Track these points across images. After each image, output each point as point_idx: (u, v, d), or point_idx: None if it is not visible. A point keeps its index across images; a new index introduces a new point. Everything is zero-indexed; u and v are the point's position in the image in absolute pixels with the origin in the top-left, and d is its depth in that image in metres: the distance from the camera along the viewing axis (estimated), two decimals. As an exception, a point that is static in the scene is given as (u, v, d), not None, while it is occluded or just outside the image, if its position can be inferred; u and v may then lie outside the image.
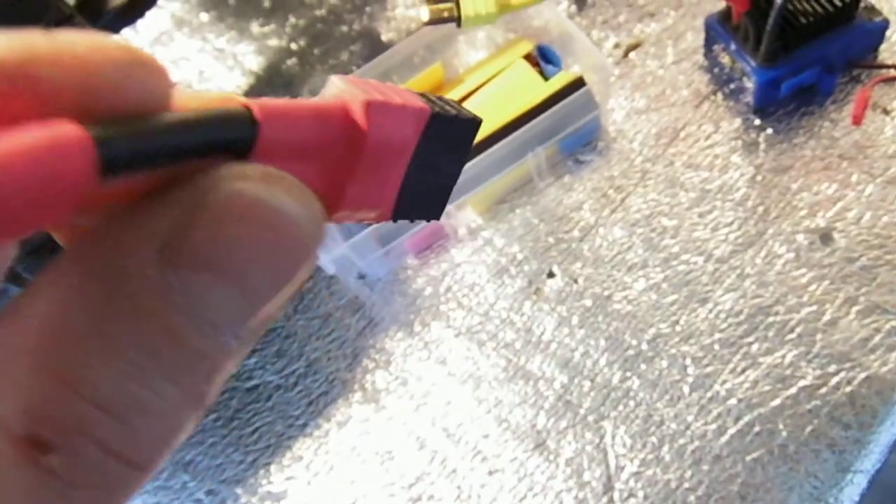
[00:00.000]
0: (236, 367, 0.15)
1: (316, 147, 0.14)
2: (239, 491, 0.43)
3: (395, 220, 0.16)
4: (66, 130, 0.10)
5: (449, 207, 0.44)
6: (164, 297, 0.11)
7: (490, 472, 0.40)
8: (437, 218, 0.17)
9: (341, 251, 0.42)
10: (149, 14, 0.55)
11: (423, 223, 0.44)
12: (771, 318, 0.40)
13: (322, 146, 0.14)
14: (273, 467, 0.43)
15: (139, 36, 0.62)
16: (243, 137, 0.12)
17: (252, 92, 0.58)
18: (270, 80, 0.58)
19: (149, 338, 0.11)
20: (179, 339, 0.11)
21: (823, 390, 0.37)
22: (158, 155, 0.11)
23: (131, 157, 0.11)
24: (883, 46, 0.45)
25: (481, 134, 0.44)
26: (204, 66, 0.61)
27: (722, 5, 0.45)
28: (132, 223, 0.11)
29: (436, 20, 0.37)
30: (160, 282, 0.11)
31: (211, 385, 0.12)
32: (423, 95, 0.16)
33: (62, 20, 0.37)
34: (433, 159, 0.16)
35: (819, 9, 0.41)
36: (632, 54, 0.50)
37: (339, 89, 0.15)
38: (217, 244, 0.11)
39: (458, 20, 0.36)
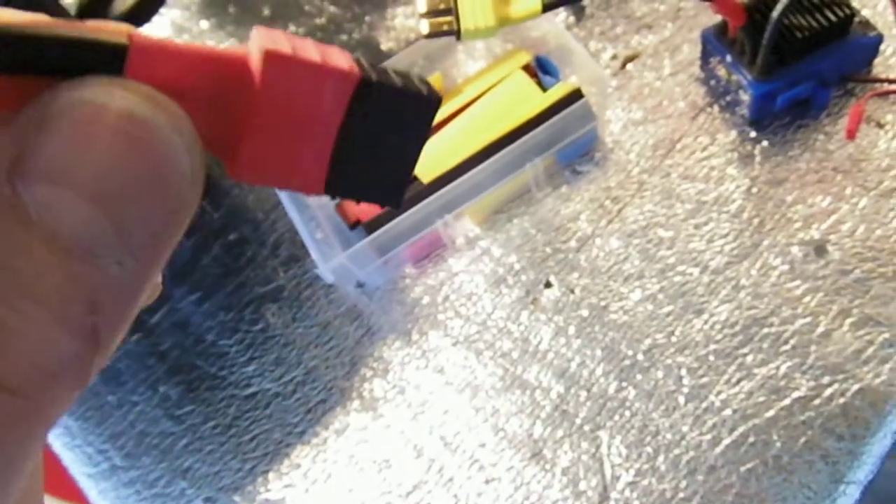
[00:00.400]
0: (149, 302, 0.14)
1: (202, 91, 0.13)
2: (237, 499, 0.43)
3: (330, 196, 0.15)
4: None
5: (447, 217, 0.44)
6: (15, 214, 0.10)
7: (487, 481, 0.40)
8: (395, 206, 0.15)
9: (340, 260, 0.43)
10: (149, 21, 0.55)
11: (422, 232, 0.44)
12: (765, 330, 0.40)
13: (210, 92, 0.13)
14: (271, 475, 0.43)
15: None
16: (108, 62, 0.11)
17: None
18: (270, 89, 0.58)
19: (2, 256, 0.10)
20: (37, 257, 0.11)
21: (817, 402, 0.38)
22: (12, 60, 0.11)
23: None
24: (877, 60, 0.45)
25: (480, 144, 0.45)
26: (204, 74, 0.61)
27: (718, 19, 0.45)
28: None
29: (435, 33, 0.37)
30: (9, 198, 0.10)
31: (97, 314, 0.11)
32: (360, 61, 0.14)
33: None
34: (374, 135, 0.14)
35: (814, 23, 0.42)
36: (629, 66, 0.50)
37: (256, 39, 0.13)
38: (66, 155, 0.11)
39: (457, 33, 0.37)
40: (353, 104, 0.14)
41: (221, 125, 0.13)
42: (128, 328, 0.12)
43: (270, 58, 0.13)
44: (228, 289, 0.49)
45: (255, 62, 0.13)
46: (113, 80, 0.11)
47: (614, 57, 0.51)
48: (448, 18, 0.37)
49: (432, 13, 0.37)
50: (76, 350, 0.11)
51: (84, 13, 0.47)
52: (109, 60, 0.11)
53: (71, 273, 0.11)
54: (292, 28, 0.60)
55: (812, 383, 0.38)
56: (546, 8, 0.36)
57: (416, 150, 0.15)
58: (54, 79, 0.11)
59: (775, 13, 0.40)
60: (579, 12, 0.53)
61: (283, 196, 0.46)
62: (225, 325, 0.48)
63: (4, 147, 0.11)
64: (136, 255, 0.12)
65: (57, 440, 0.48)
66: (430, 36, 0.37)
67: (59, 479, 0.45)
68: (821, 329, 0.39)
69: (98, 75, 0.11)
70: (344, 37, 0.58)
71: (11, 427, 0.11)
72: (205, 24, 0.63)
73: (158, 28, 0.63)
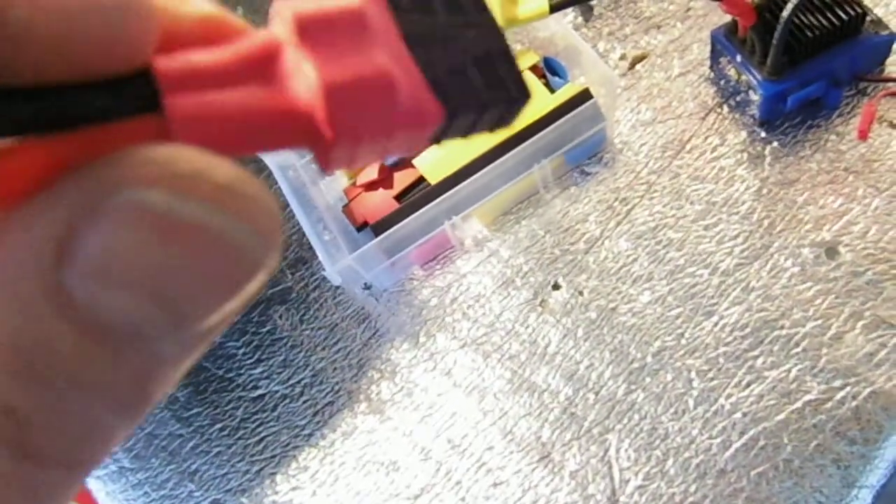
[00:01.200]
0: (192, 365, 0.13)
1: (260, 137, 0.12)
2: (244, 501, 0.43)
3: (450, 118, 0.12)
4: None
5: (455, 218, 0.44)
6: (59, 301, 0.10)
7: (494, 484, 0.40)
8: (526, 96, 0.13)
9: (347, 262, 0.43)
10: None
11: (430, 234, 0.44)
12: (776, 332, 0.40)
13: (268, 133, 0.12)
14: (278, 477, 0.43)
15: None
16: (142, 104, 0.11)
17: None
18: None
19: (46, 344, 0.10)
20: (82, 344, 0.10)
21: (829, 405, 0.37)
22: (34, 121, 0.10)
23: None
24: (890, 60, 0.45)
25: (488, 144, 0.45)
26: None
27: (728, 18, 0.45)
28: (26, 220, 0.10)
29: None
30: (54, 285, 0.10)
31: (146, 390, 0.11)
32: None
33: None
34: (439, 29, 0.12)
35: (825, 22, 0.41)
36: (638, 66, 0.50)
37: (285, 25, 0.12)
38: (118, 255, 0.10)
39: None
40: (393, 9, 0.12)
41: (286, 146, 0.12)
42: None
43: (332, 95, 0.11)
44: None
45: (318, 104, 0.11)
46: (158, 159, 0.11)
47: (623, 57, 0.50)
48: (455, 19, 0.37)
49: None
50: (121, 423, 0.11)
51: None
52: (142, 102, 0.11)
53: (118, 358, 0.11)
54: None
55: (823, 386, 0.38)
56: (553, 9, 0.36)
57: (489, 22, 0.13)
58: (88, 133, 0.10)
59: (786, 12, 0.40)
60: (587, 12, 0.53)
61: (291, 198, 0.46)
62: (233, 327, 0.48)
63: (48, 232, 0.10)
64: (189, 336, 0.11)
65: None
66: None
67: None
68: (832, 331, 0.39)
69: (142, 152, 0.10)
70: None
71: (61, 496, 0.11)
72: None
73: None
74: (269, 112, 0.11)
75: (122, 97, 0.10)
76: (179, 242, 0.10)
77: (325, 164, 0.12)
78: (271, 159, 0.48)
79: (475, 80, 0.12)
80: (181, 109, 0.11)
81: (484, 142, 0.45)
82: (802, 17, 0.41)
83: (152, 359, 0.11)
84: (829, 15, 0.41)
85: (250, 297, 0.12)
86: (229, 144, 0.11)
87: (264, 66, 0.12)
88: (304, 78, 0.12)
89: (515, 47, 0.51)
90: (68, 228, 0.10)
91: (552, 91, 0.47)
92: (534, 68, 0.48)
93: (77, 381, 0.11)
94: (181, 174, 0.10)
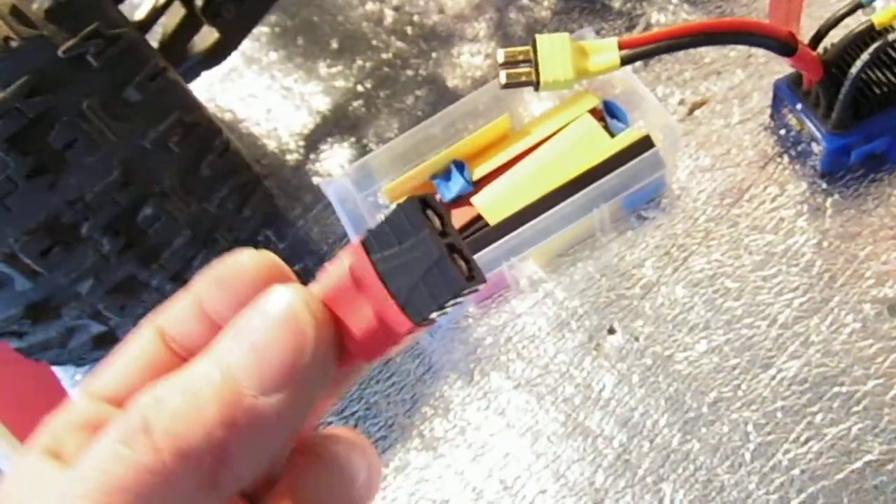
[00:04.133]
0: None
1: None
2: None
3: (415, 322, 0.17)
4: None
5: (512, 259, 0.45)
6: None
7: (547, 528, 0.40)
8: (481, 281, 0.18)
9: (407, 300, 0.43)
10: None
11: (488, 274, 0.44)
12: (836, 389, 0.40)
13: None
14: (330, 509, 0.44)
15: (209, 72, 0.64)
16: None
17: (318, 132, 0.59)
18: (337, 122, 0.59)
19: None
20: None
21: (890, 466, 0.37)
22: None
23: None
24: (955, 115, 0.45)
25: (547, 188, 0.45)
26: (272, 104, 0.62)
27: (789, 68, 0.45)
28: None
29: (513, 84, 0.37)
30: None
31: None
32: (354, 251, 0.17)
33: (156, 74, 0.38)
34: (396, 259, 0.17)
35: (893, 78, 0.41)
36: (697, 112, 0.50)
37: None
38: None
39: (536, 84, 0.37)
40: (371, 259, 0.17)
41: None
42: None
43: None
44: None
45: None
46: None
47: (682, 102, 0.51)
48: (527, 69, 0.37)
49: (510, 63, 0.38)
50: None
51: (165, 48, 0.49)
52: None
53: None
54: (359, 62, 0.61)
55: (885, 447, 0.38)
56: (624, 62, 0.37)
57: (430, 242, 0.17)
58: None
59: (855, 69, 0.40)
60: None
61: (349, 227, 0.47)
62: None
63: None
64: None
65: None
66: (507, 86, 0.38)
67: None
68: (894, 391, 0.39)
69: None
70: (410, 72, 0.59)
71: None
72: (273, 55, 0.65)
73: (228, 58, 0.64)
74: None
75: None
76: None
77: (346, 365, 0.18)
78: (332, 191, 0.49)
79: (427, 291, 0.17)
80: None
81: (543, 185, 0.45)
82: (870, 73, 0.41)
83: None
84: (897, 71, 0.41)
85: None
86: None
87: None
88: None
89: (575, 88, 0.51)
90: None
91: (612, 134, 0.47)
92: (593, 111, 0.49)
93: None
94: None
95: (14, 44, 0.34)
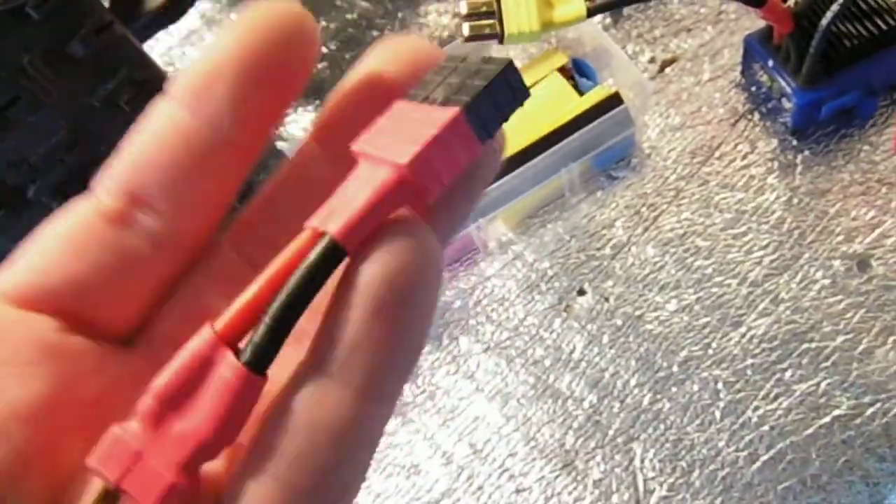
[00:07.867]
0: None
1: None
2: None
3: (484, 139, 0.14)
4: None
5: (479, 220, 0.44)
6: None
7: (517, 491, 0.40)
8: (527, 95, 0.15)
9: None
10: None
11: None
12: (805, 345, 0.39)
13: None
14: (298, 477, 0.43)
15: (168, 35, 0.62)
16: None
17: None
18: (300, 84, 0.58)
19: None
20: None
21: (858, 421, 0.37)
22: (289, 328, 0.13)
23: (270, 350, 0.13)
24: (925, 70, 0.44)
25: (515, 148, 0.44)
26: (233, 68, 0.60)
27: (761, 23, 0.44)
28: None
29: (477, 36, 0.36)
30: None
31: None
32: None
33: (102, 28, 0.37)
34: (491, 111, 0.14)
35: (864, 31, 0.41)
36: (667, 70, 0.49)
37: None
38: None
39: (500, 37, 0.36)
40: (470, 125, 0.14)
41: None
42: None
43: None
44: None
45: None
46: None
47: (652, 60, 0.50)
48: (490, 21, 0.36)
49: (473, 16, 0.37)
50: None
51: (117, 7, 0.47)
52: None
53: None
54: (323, 23, 0.59)
55: (853, 402, 0.38)
56: (591, 13, 0.35)
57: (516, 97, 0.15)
58: None
59: (825, 21, 0.39)
60: (617, 13, 0.52)
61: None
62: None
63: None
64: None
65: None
66: (470, 39, 0.36)
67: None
68: (863, 346, 0.39)
69: None
70: (375, 33, 0.58)
71: None
72: (234, 16, 0.63)
73: (187, 20, 0.62)
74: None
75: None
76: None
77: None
78: (288, 148, 0.47)
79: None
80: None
81: (511, 144, 0.44)
82: (841, 26, 0.41)
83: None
84: (867, 24, 0.41)
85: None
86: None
87: None
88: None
89: (543, 47, 0.50)
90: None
91: (580, 93, 0.46)
92: (562, 69, 0.47)
93: None
94: None
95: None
